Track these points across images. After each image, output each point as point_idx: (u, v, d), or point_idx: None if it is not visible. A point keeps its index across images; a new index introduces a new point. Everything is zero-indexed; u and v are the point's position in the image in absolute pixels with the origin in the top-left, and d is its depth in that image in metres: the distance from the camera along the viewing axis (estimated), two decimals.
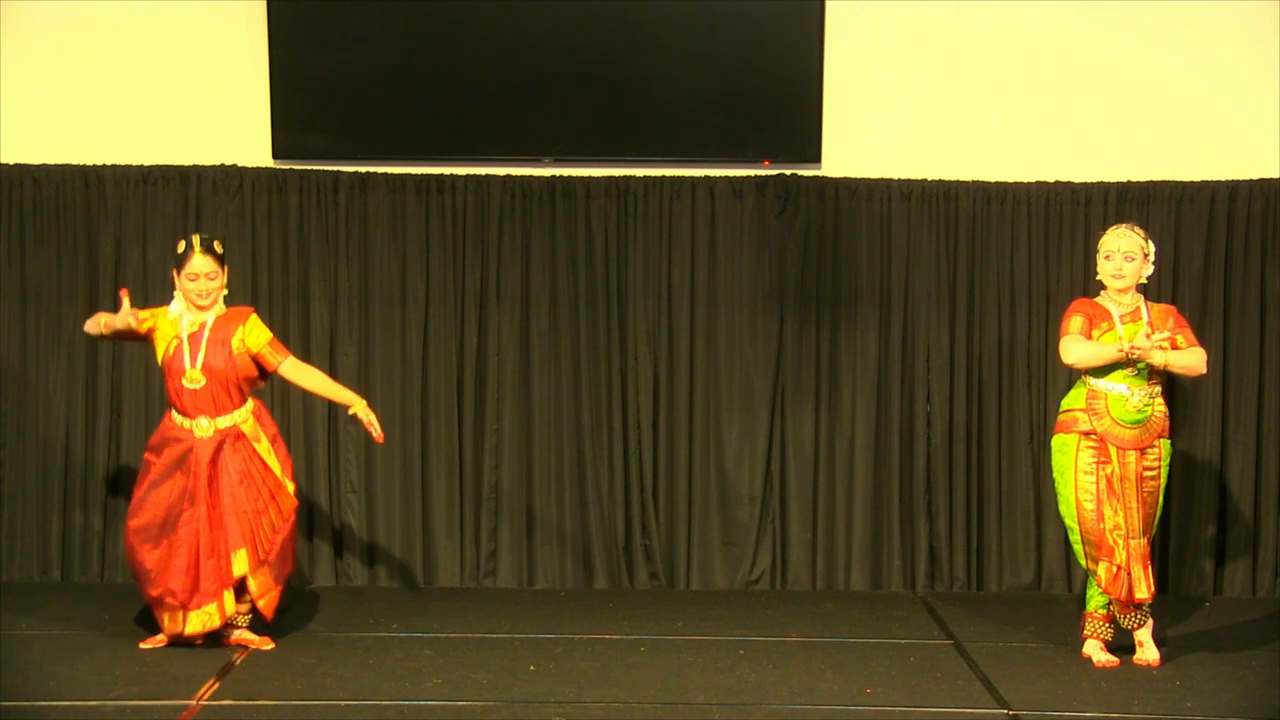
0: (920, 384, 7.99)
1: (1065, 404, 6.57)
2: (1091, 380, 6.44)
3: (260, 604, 6.54)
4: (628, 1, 7.92)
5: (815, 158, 7.97)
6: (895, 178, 7.98)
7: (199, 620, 6.44)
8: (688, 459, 8.01)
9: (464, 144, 7.98)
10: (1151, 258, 6.50)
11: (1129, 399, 6.38)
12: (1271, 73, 7.90)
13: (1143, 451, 6.41)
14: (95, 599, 7.45)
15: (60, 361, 7.90)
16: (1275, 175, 7.92)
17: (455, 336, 7.97)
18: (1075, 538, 6.47)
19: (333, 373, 7.52)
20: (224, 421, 6.48)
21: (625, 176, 7.98)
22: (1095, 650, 6.52)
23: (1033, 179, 7.96)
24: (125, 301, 6.45)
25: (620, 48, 7.91)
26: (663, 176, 7.97)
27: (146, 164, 7.92)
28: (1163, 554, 7.85)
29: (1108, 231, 6.55)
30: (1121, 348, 6.32)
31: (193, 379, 6.43)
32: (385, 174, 7.96)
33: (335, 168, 7.96)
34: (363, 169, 7.96)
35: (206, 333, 6.47)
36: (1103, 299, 6.52)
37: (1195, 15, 7.94)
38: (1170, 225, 7.88)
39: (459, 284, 7.97)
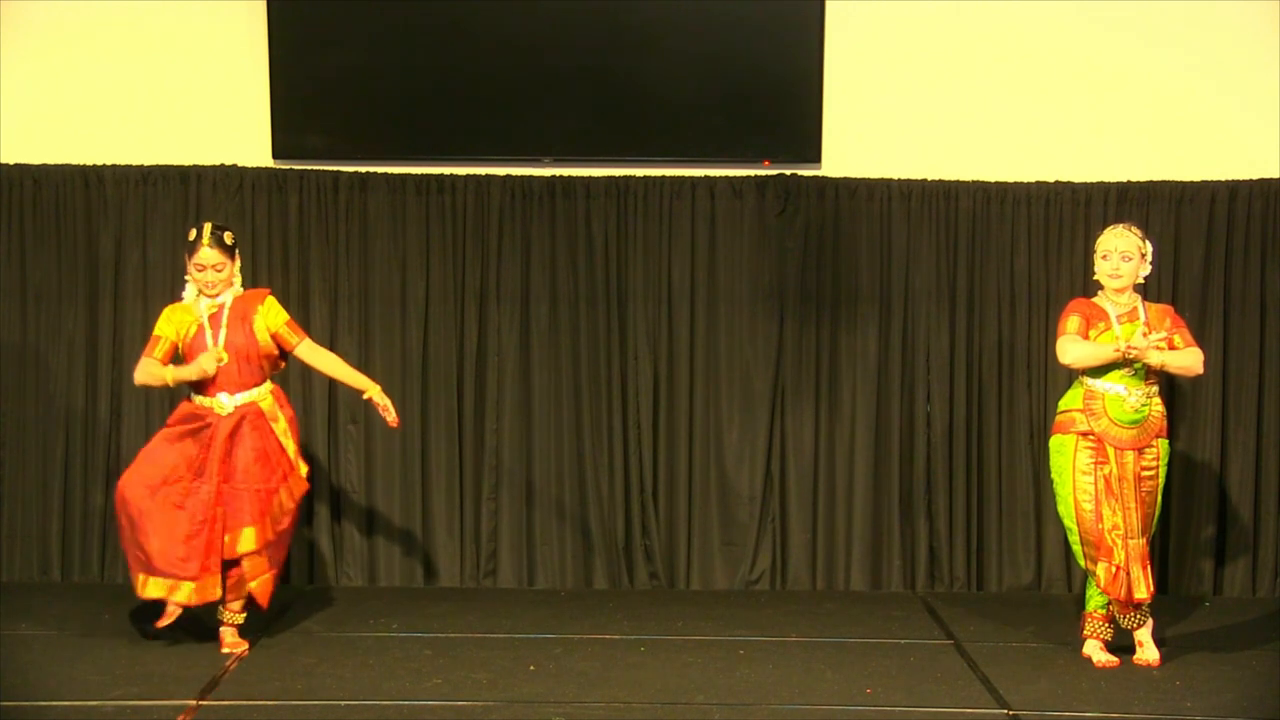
0: (920, 384, 7.99)
1: (1063, 404, 6.56)
2: (1089, 380, 6.44)
3: (253, 585, 6.53)
4: (628, 1, 7.93)
5: (815, 158, 7.97)
6: (895, 178, 7.98)
7: (186, 592, 6.40)
8: (688, 459, 8.01)
9: (464, 144, 7.99)
10: (1149, 258, 6.50)
11: (1126, 399, 6.38)
12: (1271, 73, 7.90)
13: (1141, 451, 6.41)
14: (95, 599, 7.45)
15: (60, 361, 7.90)
16: (1275, 175, 7.92)
17: (455, 336, 7.98)
18: (1074, 538, 6.47)
19: None
20: (244, 398, 6.50)
21: (625, 176, 7.98)
22: (1095, 650, 6.52)
23: (1033, 179, 7.97)
24: (212, 362, 6.45)
25: (620, 48, 7.91)
26: (663, 176, 7.97)
27: (146, 164, 7.92)
28: (1163, 554, 7.85)
29: (1105, 231, 6.55)
30: (1118, 347, 6.32)
31: (220, 359, 6.45)
32: (385, 174, 7.96)
33: (335, 168, 7.96)
34: (363, 169, 7.97)
35: (226, 312, 6.51)
36: (1100, 299, 6.52)
37: (1195, 15, 7.94)
38: (1170, 225, 7.88)
39: (459, 284, 7.98)
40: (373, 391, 6.71)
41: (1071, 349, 6.39)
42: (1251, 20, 7.92)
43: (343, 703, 5.84)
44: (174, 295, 6.80)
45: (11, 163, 7.90)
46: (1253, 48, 7.92)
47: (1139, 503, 6.40)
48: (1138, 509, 6.39)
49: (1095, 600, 6.51)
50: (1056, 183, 7.96)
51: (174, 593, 6.41)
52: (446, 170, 7.97)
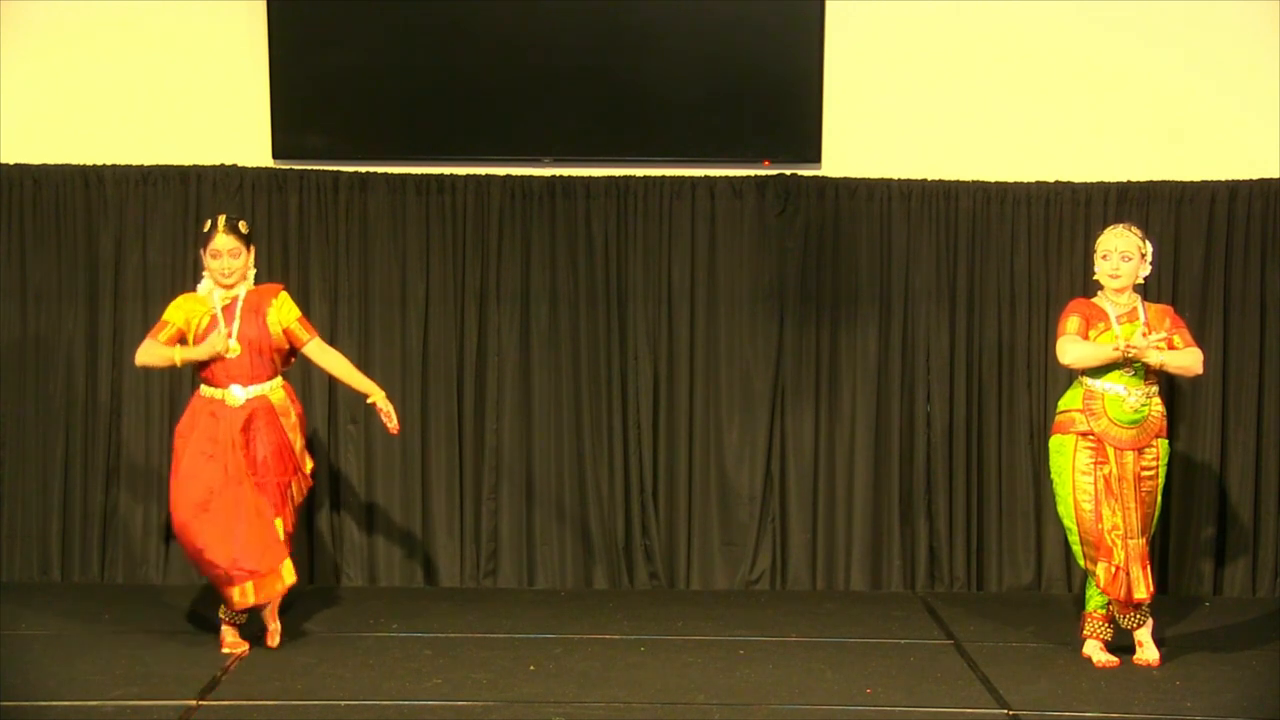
0: (920, 384, 7.99)
1: (1062, 405, 6.56)
2: (1088, 380, 6.44)
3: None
4: (628, 1, 7.93)
5: (815, 158, 7.97)
6: (895, 178, 7.98)
7: (250, 593, 6.40)
8: (688, 459, 8.01)
9: (464, 144, 7.99)
10: (1149, 258, 6.50)
11: (1126, 399, 6.38)
12: (1271, 73, 7.90)
13: (1140, 451, 6.41)
14: (95, 599, 7.45)
15: (60, 361, 7.90)
16: (1275, 175, 7.92)
17: (455, 336, 7.98)
18: (1074, 538, 6.47)
19: None
20: (255, 391, 6.50)
21: (625, 176, 7.98)
22: (1095, 650, 6.51)
23: (1033, 179, 7.96)
24: (224, 343, 6.44)
25: (620, 48, 7.91)
26: (663, 176, 7.97)
27: (146, 164, 7.92)
28: (1162, 554, 7.85)
29: (1105, 231, 6.55)
30: (1118, 347, 6.32)
31: (230, 349, 6.45)
32: (385, 174, 7.96)
33: (335, 168, 7.96)
34: (363, 169, 7.97)
35: (239, 305, 6.51)
36: (1100, 299, 6.52)
37: (1195, 15, 7.94)
38: (1170, 225, 7.88)
39: (459, 284, 7.98)
40: (377, 397, 6.71)
41: (1071, 349, 6.39)
42: (1251, 20, 7.92)
43: (343, 703, 5.84)
44: (174, 295, 6.78)
45: (11, 163, 7.90)
46: (1253, 48, 7.92)
47: (1139, 503, 6.39)
48: (1137, 509, 6.39)
49: (1095, 600, 6.51)
50: (1056, 183, 7.96)
51: (252, 594, 6.41)
52: (446, 170, 7.97)
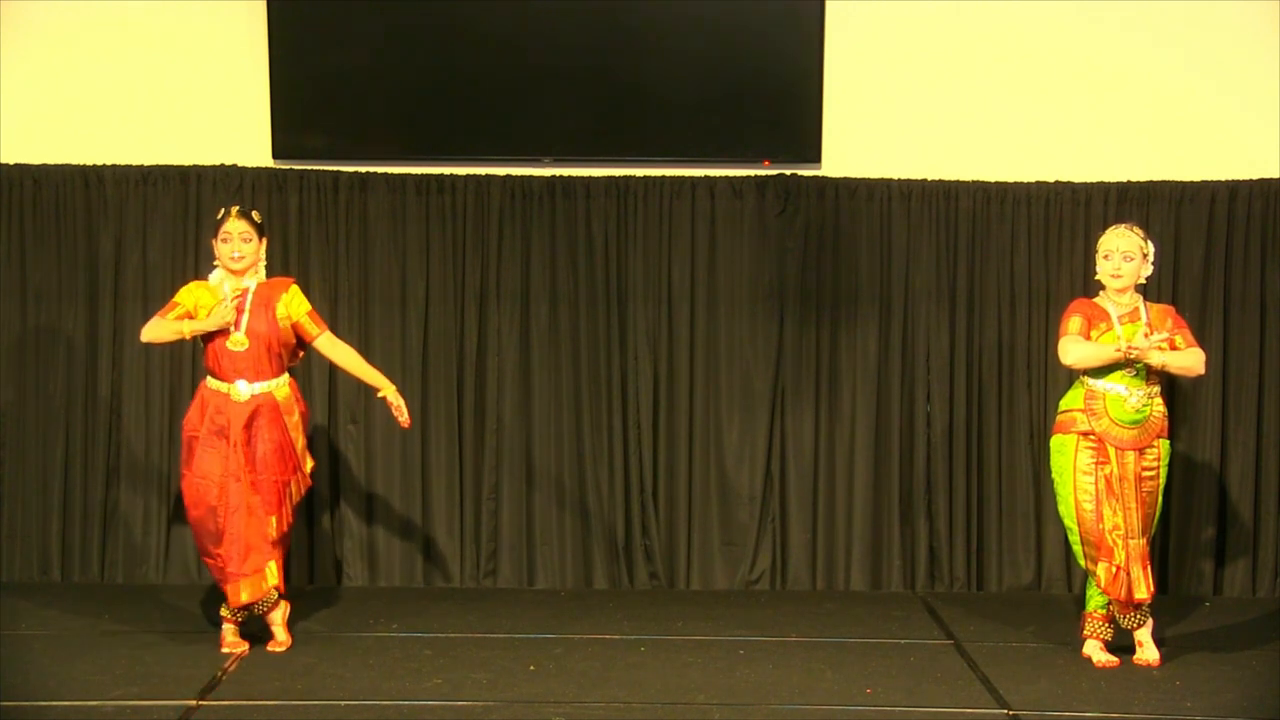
0: (920, 384, 7.99)
1: (1064, 404, 6.56)
2: (1090, 380, 6.44)
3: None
4: (628, 1, 7.92)
5: (815, 158, 7.97)
6: (895, 178, 7.98)
7: (243, 590, 6.42)
8: (688, 459, 8.01)
9: (464, 144, 7.99)
10: (1151, 258, 6.50)
11: (1127, 399, 6.38)
12: (1271, 73, 7.90)
13: (1141, 452, 6.41)
14: (95, 599, 7.45)
15: (60, 361, 7.90)
16: (1275, 175, 7.92)
17: (455, 336, 7.98)
18: (1074, 538, 6.47)
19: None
20: (261, 387, 6.50)
21: (625, 176, 7.98)
22: (1095, 650, 6.52)
23: (1033, 179, 7.96)
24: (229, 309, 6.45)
25: (620, 48, 7.91)
26: (663, 176, 7.97)
27: (146, 164, 7.92)
28: (1163, 554, 7.85)
29: (1107, 231, 6.55)
30: (1119, 348, 6.32)
31: (237, 342, 6.46)
32: (385, 174, 7.96)
33: (335, 168, 7.96)
34: (363, 169, 7.97)
35: (250, 298, 6.51)
36: (1101, 299, 6.52)
37: (1195, 15, 7.94)
38: (1170, 225, 7.88)
39: (459, 283, 7.98)
40: (388, 391, 6.72)
41: (1073, 349, 6.39)
42: (1251, 20, 7.92)
43: (343, 703, 5.84)
44: (173, 294, 6.77)
45: (11, 163, 7.90)
46: (1253, 48, 7.92)
47: (1139, 503, 6.39)
48: (1138, 509, 6.39)
49: (1095, 600, 6.51)
50: (1056, 183, 7.96)
51: (242, 593, 6.43)
52: (446, 170, 7.97)
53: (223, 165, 7.92)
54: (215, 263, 6.60)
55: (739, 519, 8.00)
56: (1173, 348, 6.40)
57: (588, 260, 7.99)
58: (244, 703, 5.82)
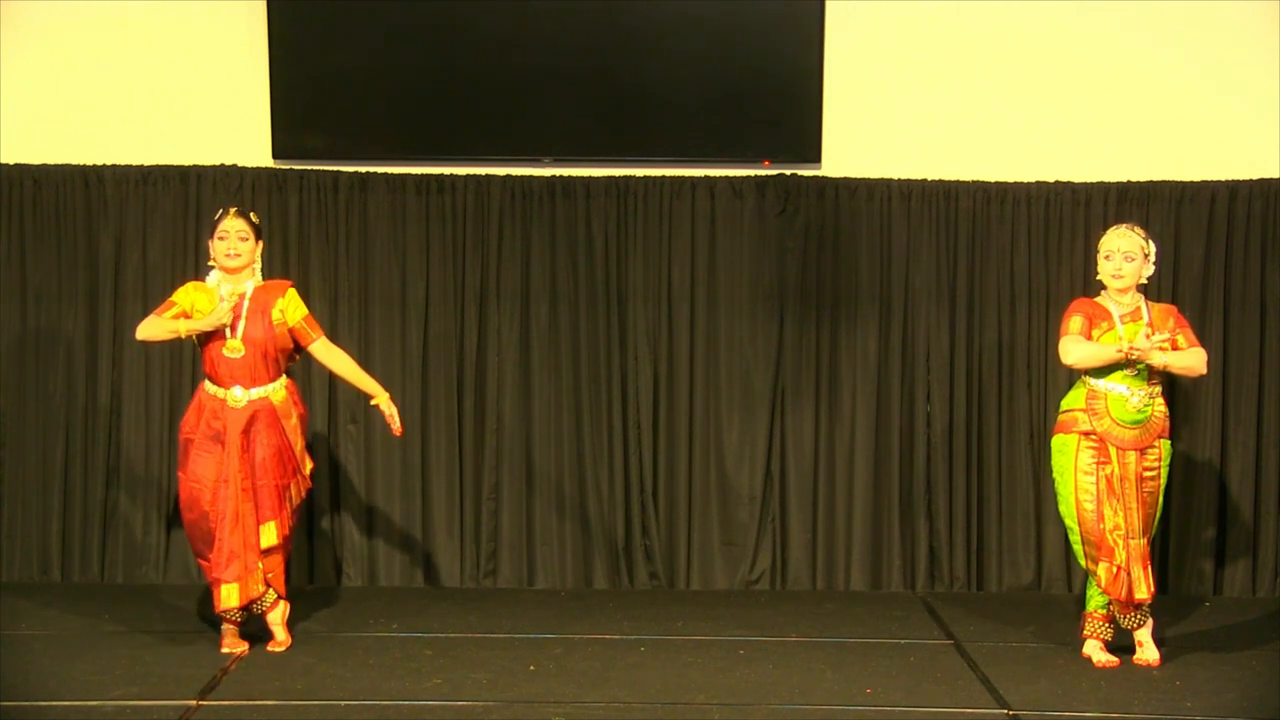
0: (920, 384, 7.99)
1: (1065, 404, 6.56)
2: (1091, 380, 6.44)
3: (270, 580, 6.58)
4: (628, 1, 7.92)
5: (815, 158, 7.97)
6: (895, 178, 7.98)
7: (234, 593, 6.42)
8: (688, 459, 8.01)
9: (464, 144, 7.99)
10: (1152, 258, 6.50)
11: (1129, 399, 6.38)
12: (1272, 73, 7.90)
13: (1143, 452, 6.41)
14: (95, 599, 7.45)
15: (60, 361, 7.90)
16: (1275, 175, 7.92)
17: (455, 336, 7.98)
18: (1075, 538, 6.47)
19: None
20: (257, 392, 6.49)
21: (625, 176, 7.98)
22: (1095, 650, 6.52)
23: (1033, 179, 7.96)
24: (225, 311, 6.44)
25: (620, 48, 7.91)
26: (663, 176, 7.97)
27: (146, 164, 7.92)
28: (1163, 554, 7.85)
29: (1108, 231, 6.55)
30: (1121, 348, 6.32)
31: (233, 348, 6.45)
32: (385, 174, 7.96)
33: (335, 168, 7.96)
34: (363, 169, 7.97)
35: (246, 302, 6.50)
36: (1103, 299, 6.52)
37: (1195, 15, 7.94)
38: (1170, 225, 7.88)
39: (459, 284, 7.98)
40: (381, 399, 6.72)
41: (1074, 349, 6.39)
42: (1251, 20, 7.92)
43: (343, 703, 5.84)
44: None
45: (11, 163, 7.90)
46: (1253, 48, 7.92)
47: (1140, 503, 6.39)
48: (1139, 509, 6.39)
49: (1095, 600, 6.51)
50: (1056, 183, 7.96)
51: (229, 598, 6.43)
52: (446, 170, 7.97)
53: (223, 165, 7.92)
54: (211, 263, 6.58)
55: (739, 519, 8.00)
56: (1175, 348, 6.40)
57: (588, 260, 7.99)
58: (244, 703, 5.82)
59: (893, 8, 7.99)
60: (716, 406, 8.00)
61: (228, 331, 6.45)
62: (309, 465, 6.74)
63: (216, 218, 6.58)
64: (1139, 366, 6.38)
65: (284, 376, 6.61)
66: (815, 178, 7.98)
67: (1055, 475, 6.54)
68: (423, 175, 7.95)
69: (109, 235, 7.90)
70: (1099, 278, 6.52)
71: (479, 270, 7.98)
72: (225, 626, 6.56)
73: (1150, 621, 6.52)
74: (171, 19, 7.97)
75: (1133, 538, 6.35)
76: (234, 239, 6.49)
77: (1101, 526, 6.36)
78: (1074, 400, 6.51)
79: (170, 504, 7.78)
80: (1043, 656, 6.62)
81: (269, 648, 6.55)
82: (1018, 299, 7.97)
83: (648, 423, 7.99)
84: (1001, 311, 7.97)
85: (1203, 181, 7.92)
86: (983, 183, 7.98)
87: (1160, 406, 6.47)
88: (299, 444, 6.63)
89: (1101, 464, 6.38)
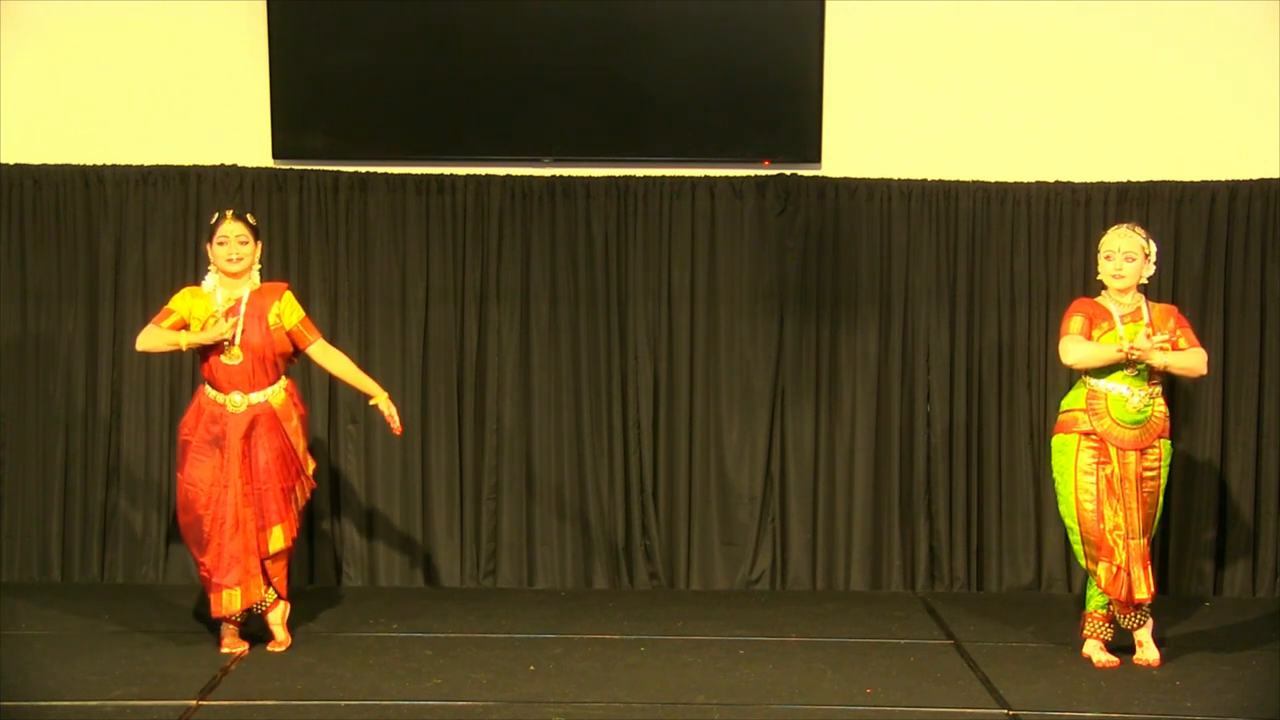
0: (920, 384, 7.99)
1: (1065, 404, 6.56)
2: (1091, 380, 6.44)
3: (274, 582, 6.59)
4: (628, 2, 7.93)
5: (815, 158, 7.97)
6: (895, 178, 7.98)
7: (235, 598, 6.42)
8: (688, 459, 8.01)
9: (464, 144, 7.99)
10: (1153, 258, 6.50)
11: (1129, 399, 6.38)
12: (1272, 73, 7.90)
13: (1143, 452, 6.41)
14: (95, 599, 7.45)
15: (60, 362, 7.90)
16: (1275, 175, 7.92)
17: (455, 336, 7.98)
18: (1075, 538, 6.47)
19: None
20: (257, 397, 6.48)
21: (625, 176, 7.98)
22: (1095, 650, 6.52)
23: (1033, 179, 7.96)
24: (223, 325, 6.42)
25: (620, 48, 7.91)
26: (663, 176, 7.97)
27: (146, 164, 7.92)
28: (1163, 554, 7.85)
29: (1108, 231, 6.55)
30: (1121, 348, 6.32)
31: (232, 355, 6.44)
32: (385, 174, 7.96)
33: (335, 168, 7.96)
34: (363, 169, 7.97)
35: (243, 308, 6.48)
36: (1103, 299, 6.52)
37: (1195, 15, 7.94)
38: (1170, 225, 7.88)
39: (459, 283, 7.98)
40: (380, 399, 6.71)
41: (1074, 350, 6.39)
42: (1251, 20, 7.92)
43: (343, 703, 5.84)
44: (174, 294, 6.75)
45: (11, 163, 7.90)
46: (1253, 48, 7.92)
47: (1140, 503, 6.39)
48: (1139, 509, 6.39)
49: (1095, 600, 6.51)
50: (1056, 183, 7.96)
51: (230, 603, 6.43)
52: (446, 170, 7.97)
53: (223, 165, 7.92)
54: (209, 266, 6.57)
55: (739, 519, 8.00)
56: (1175, 348, 6.40)
57: (588, 260, 7.99)
58: (244, 703, 5.82)
59: (893, 8, 7.99)
60: (716, 406, 8.00)
61: (227, 341, 6.44)
62: (311, 465, 6.74)
63: (214, 221, 6.54)
64: (1139, 367, 6.38)
65: (283, 379, 6.60)
66: (815, 178, 7.98)
67: (1055, 475, 6.54)
68: (423, 175, 7.95)
69: (109, 235, 7.90)
70: (1099, 278, 6.52)
71: (479, 270, 7.98)
72: (225, 626, 6.56)
73: (1150, 621, 6.52)
74: (171, 19, 7.97)
75: (1133, 538, 6.35)
76: (234, 244, 6.47)
77: (1101, 526, 6.36)
78: (1074, 400, 6.51)
79: (171, 503, 7.78)
80: (1043, 656, 6.62)
81: (269, 648, 6.55)
82: (1018, 299, 7.97)
83: (648, 423, 7.99)
84: (1001, 311, 7.97)
85: (1203, 181, 7.92)
86: (983, 183, 7.98)
87: (1160, 407, 6.47)
88: (301, 445, 6.62)
89: (1102, 464, 6.38)
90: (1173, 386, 7.62)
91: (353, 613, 7.32)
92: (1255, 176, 7.92)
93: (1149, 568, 6.40)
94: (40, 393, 7.90)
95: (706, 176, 7.97)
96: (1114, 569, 6.33)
